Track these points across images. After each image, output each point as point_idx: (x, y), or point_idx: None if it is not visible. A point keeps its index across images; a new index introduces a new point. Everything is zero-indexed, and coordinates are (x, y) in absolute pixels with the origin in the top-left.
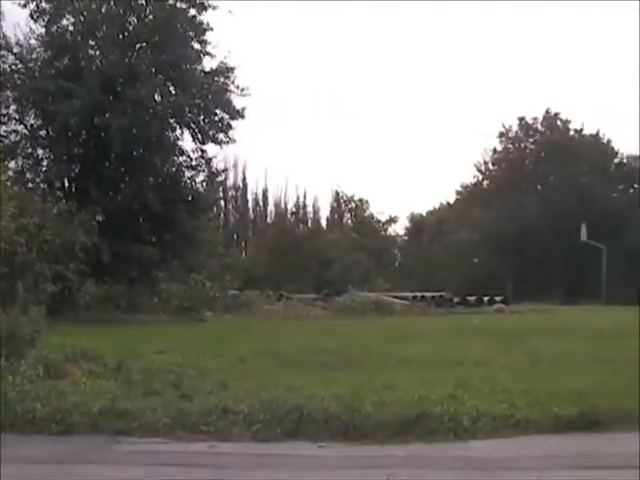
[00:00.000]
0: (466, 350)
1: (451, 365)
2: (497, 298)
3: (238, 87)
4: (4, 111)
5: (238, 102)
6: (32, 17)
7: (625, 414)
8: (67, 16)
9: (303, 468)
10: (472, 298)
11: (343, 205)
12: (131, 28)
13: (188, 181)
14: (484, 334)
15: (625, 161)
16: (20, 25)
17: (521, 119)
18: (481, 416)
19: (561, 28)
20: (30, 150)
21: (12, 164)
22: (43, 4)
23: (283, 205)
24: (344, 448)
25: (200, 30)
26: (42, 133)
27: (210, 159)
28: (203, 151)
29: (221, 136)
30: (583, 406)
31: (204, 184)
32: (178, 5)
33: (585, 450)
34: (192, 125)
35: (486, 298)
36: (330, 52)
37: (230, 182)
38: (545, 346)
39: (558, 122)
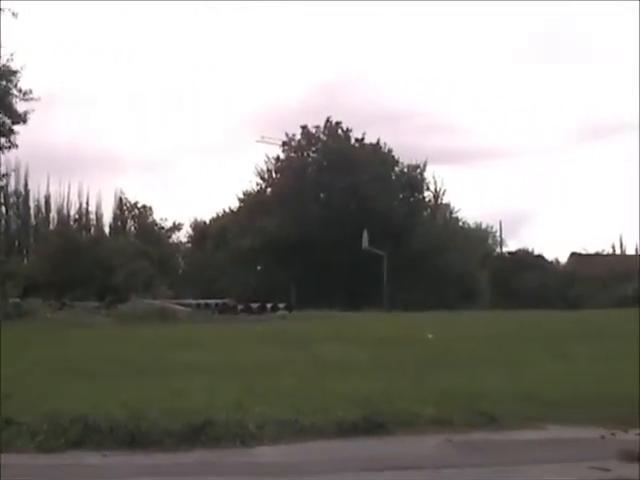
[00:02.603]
0: (251, 357)
1: (237, 372)
2: (280, 305)
3: (21, 91)
4: None
5: (20, 106)
6: None
7: (408, 417)
8: None
9: (88, 478)
10: (256, 305)
11: (126, 212)
12: None
13: None
14: (268, 341)
15: (406, 170)
16: None
17: (303, 127)
18: (267, 422)
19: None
20: None
21: None
22: None
23: (66, 212)
24: (130, 457)
25: None
26: None
27: None
28: None
29: (2, 140)
30: (367, 410)
31: None
32: None
33: (369, 453)
34: None
35: (269, 305)
36: (118, 55)
37: (11, 188)
38: (329, 352)
39: (339, 131)
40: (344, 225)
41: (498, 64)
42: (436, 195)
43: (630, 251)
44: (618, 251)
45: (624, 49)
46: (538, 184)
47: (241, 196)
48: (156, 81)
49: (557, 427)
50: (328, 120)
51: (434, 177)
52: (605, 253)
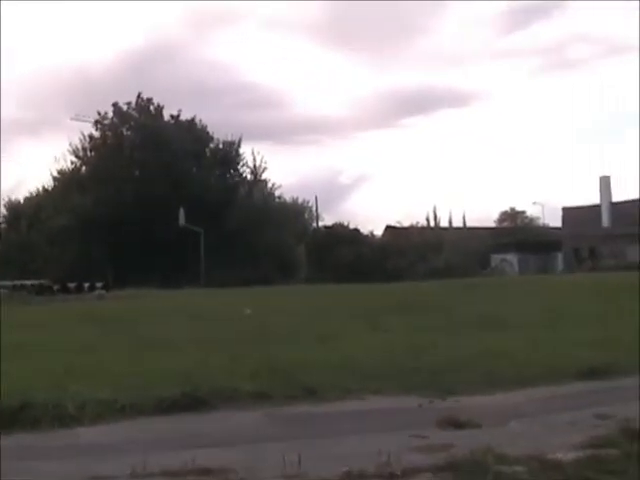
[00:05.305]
0: (70, 336)
1: (54, 352)
2: (98, 284)
3: None
4: None
5: None
6: None
7: (227, 392)
8: None
9: None
10: (72, 285)
11: None
12: None
13: None
14: (85, 320)
15: (221, 147)
16: None
17: (115, 105)
18: (86, 402)
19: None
20: None
21: None
22: None
23: None
24: None
25: None
26: None
27: None
28: None
29: None
30: (186, 386)
31: None
32: None
33: (190, 430)
34: None
35: (87, 284)
36: None
37: None
38: (147, 329)
39: (151, 108)
40: (160, 203)
41: (316, 38)
42: (254, 171)
43: (444, 223)
44: (432, 223)
45: (443, 27)
46: (354, 159)
47: (56, 175)
48: None
49: (376, 397)
50: (139, 96)
51: (253, 153)
52: (419, 226)
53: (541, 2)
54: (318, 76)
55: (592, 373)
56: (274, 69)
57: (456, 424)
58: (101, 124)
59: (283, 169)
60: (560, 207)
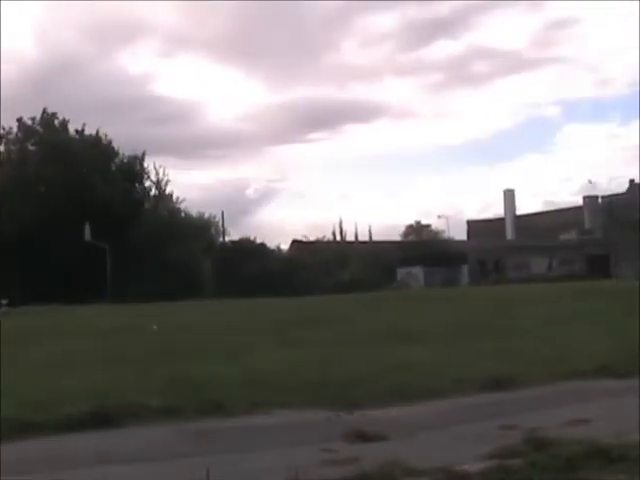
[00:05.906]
0: None
1: None
2: (3, 301)
3: None
4: None
5: None
6: None
7: (135, 409)
8: None
9: None
10: None
11: None
12: None
13: None
14: None
15: (126, 161)
16: None
17: (19, 120)
18: None
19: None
20: None
21: None
22: None
23: None
24: None
25: None
26: None
27: None
28: None
29: None
30: (94, 404)
31: None
32: None
33: (98, 447)
34: None
35: None
36: None
37: None
38: (53, 347)
39: (56, 122)
40: (65, 218)
41: (222, 53)
42: (158, 185)
43: (350, 237)
44: (338, 237)
45: (347, 43)
46: (261, 173)
47: None
48: None
49: (284, 411)
50: (44, 111)
51: (155, 167)
52: (326, 240)
53: (445, 18)
54: (224, 91)
55: (497, 384)
56: (180, 84)
57: (364, 437)
58: (5, 139)
59: (189, 184)
60: (465, 220)
